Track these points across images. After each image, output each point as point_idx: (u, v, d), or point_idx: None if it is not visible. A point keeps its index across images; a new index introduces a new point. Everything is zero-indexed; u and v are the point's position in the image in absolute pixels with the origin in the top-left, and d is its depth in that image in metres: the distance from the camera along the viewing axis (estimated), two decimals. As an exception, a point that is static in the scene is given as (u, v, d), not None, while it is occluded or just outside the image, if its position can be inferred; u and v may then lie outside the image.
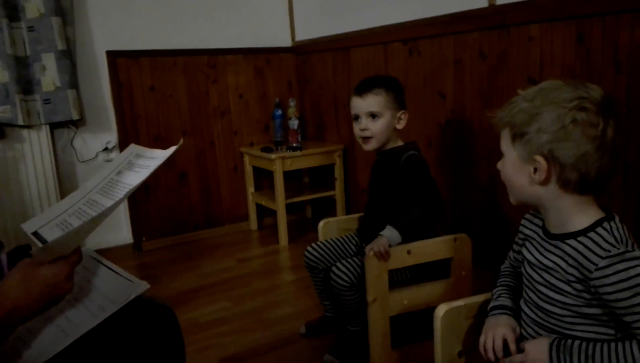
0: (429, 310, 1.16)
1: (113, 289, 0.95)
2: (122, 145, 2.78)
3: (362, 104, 1.65)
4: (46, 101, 2.54)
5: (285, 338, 1.86)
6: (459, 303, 1.11)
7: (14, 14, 2.45)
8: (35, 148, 2.56)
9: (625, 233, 0.88)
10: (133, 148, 0.95)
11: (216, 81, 3.01)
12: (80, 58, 2.68)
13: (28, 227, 0.88)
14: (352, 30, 2.73)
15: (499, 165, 0.97)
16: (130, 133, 2.80)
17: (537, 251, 0.96)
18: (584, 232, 0.88)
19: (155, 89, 2.85)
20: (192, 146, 2.97)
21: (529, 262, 0.98)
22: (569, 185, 0.87)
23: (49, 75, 2.53)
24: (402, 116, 1.67)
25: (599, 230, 0.87)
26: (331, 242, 1.79)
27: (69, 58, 2.56)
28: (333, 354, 1.66)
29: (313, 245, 1.79)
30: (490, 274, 1.90)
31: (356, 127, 1.69)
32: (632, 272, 0.81)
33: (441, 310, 1.11)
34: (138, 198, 2.81)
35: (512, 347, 0.96)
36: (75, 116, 2.60)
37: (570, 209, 0.90)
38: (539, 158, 0.87)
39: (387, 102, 1.65)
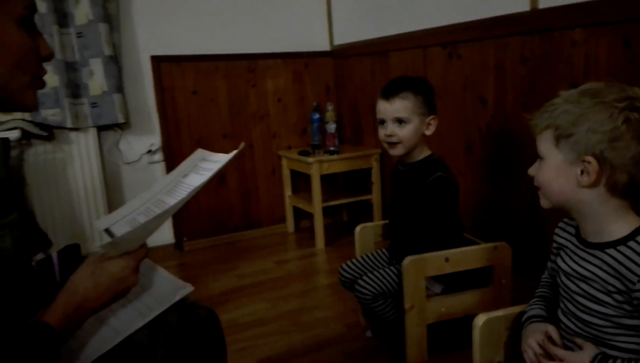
0: (467, 319, 1.16)
1: (160, 290, 0.99)
2: (165, 148, 2.87)
3: (389, 109, 1.57)
4: (94, 105, 2.64)
5: (322, 341, 1.88)
6: (499, 313, 1.11)
7: (63, 20, 2.56)
8: (82, 150, 2.66)
9: None
10: (199, 152, 1.00)
11: (255, 85, 3.06)
12: (126, 63, 2.78)
13: (101, 224, 0.94)
14: (390, 34, 2.73)
15: (532, 170, 0.94)
16: (173, 136, 2.88)
17: (572, 260, 0.94)
18: (624, 241, 0.86)
19: (197, 93, 2.92)
20: (231, 149, 2.99)
21: (565, 272, 0.96)
22: (616, 188, 0.85)
23: (96, 79, 2.63)
24: (432, 122, 1.59)
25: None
26: (362, 259, 1.79)
27: (115, 63, 2.65)
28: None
29: (345, 264, 1.79)
30: (532, 283, 1.87)
31: (381, 132, 1.61)
32: None
33: (480, 319, 1.11)
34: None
35: (556, 339, 0.95)
36: (121, 119, 2.69)
37: (609, 216, 0.88)
38: (590, 159, 0.84)
39: (416, 106, 1.56)
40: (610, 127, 0.82)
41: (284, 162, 3.12)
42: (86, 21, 2.58)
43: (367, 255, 1.81)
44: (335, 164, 2.86)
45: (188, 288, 0.97)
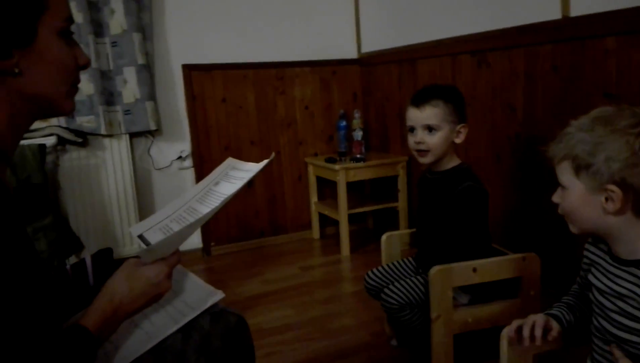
0: (495, 329, 1.15)
1: (192, 296, 1.01)
2: (195, 154, 2.92)
3: (419, 116, 1.57)
4: (127, 112, 2.71)
5: (347, 349, 1.88)
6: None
7: (99, 30, 2.64)
8: (115, 156, 2.73)
9: None
10: (230, 161, 1.03)
11: (284, 93, 3.09)
12: (158, 71, 2.85)
13: (135, 230, 0.98)
14: (418, 42, 2.73)
15: (557, 198, 0.94)
16: (203, 143, 2.93)
17: (606, 277, 0.93)
18: None
19: (227, 101, 2.97)
20: (259, 156, 3.06)
21: (598, 289, 0.95)
22: None
23: (129, 87, 2.71)
24: (462, 130, 1.58)
25: None
26: (388, 268, 1.79)
27: (148, 72, 2.72)
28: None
29: (371, 271, 1.79)
30: (561, 295, 1.83)
31: (411, 140, 1.61)
32: None
33: (508, 331, 1.10)
34: (207, 205, 2.93)
35: (551, 338, 0.97)
36: (152, 127, 2.75)
37: None
38: (613, 187, 0.85)
39: (446, 114, 1.55)
40: (628, 154, 0.83)
41: (311, 169, 3.14)
42: (120, 31, 2.66)
43: (393, 264, 1.81)
44: (362, 172, 2.86)
45: (219, 295, 0.99)
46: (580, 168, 0.88)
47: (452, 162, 1.62)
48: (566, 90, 1.97)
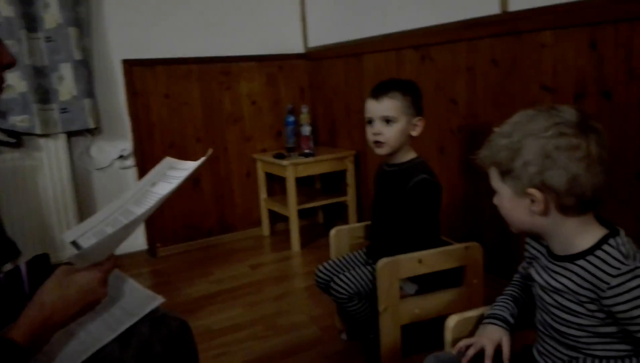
0: (442, 319, 1.17)
1: (130, 302, 0.97)
2: (137, 153, 2.82)
3: (377, 108, 1.59)
4: (63, 110, 2.59)
5: (298, 345, 1.87)
6: (470, 314, 1.12)
7: (32, 25, 2.50)
8: (52, 156, 2.61)
9: (631, 246, 0.87)
10: (167, 160, 0.99)
11: (230, 88, 3.04)
12: (97, 67, 2.73)
13: (68, 236, 0.92)
14: (364, 37, 2.74)
15: (496, 201, 0.96)
16: (145, 141, 2.84)
17: (545, 273, 0.96)
18: (591, 251, 0.88)
19: (170, 97, 2.88)
20: (204, 153, 2.98)
21: (538, 284, 0.98)
22: (568, 210, 0.87)
23: (66, 84, 2.58)
24: (418, 123, 1.62)
25: (606, 247, 0.87)
26: (338, 261, 1.79)
27: (85, 67, 2.60)
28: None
29: (321, 265, 1.78)
30: (503, 281, 1.89)
31: (369, 131, 1.63)
32: None
33: (452, 320, 1.12)
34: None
35: (505, 353, 0.99)
36: (91, 125, 2.64)
37: (573, 231, 0.90)
38: (533, 191, 0.87)
39: (403, 107, 1.59)
40: (542, 157, 0.85)
41: (259, 165, 3.11)
42: (55, 25, 2.53)
43: (343, 257, 1.81)
44: (310, 167, 2.86)
45: (158, 300, 0.95)
46: (504, 173, 0.91)
47: (409, 155, 1.65)
48: (505, 83, 2.02)
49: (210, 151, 0.96)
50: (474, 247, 1.59)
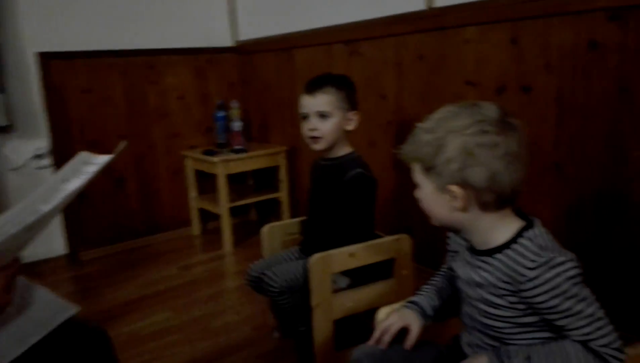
0: (373, 311, 1.16)
1: (41, 312, 0.89)
2: (55, 152, 2.65)
3: (312, 103, 1.59)
4: (-31, 106, 2.38)
5: (232, 345, 1.83)
6: (400, 304, 1.12)
7: None
8: (-43, 156, 2.39)
9: (546, 237, 0.89)
10: (82, 155, 0.92)
11: (155, 83, 2.91)
12: (9, 61, 2.52)
13: None
14: (295, 31, 2.71)
15: (417, 194, 0.97)
16: (64, 139, 2.66)
17: (467, 267, 0.97)
18: (507, 245, 0.89)
19: (91, 91, 2.73)
20: (130, 150, 2.86)
21: (460, 278, 0.99)
22: (487, 206, 0.89)
23: (-29, 78, 2.38)
24: (353, 117, 1.62)
25: (522, 240, 0.89)
26: (269, 259, 1.76)
27: (-6, 60, 2.41)
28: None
29: (253, 264, 1.74)
30: (432, 270, 1.93)
31: (304, 127, 1.62)
32: (560, 279, 0.82)
33: (382, 312, 1.13)
34: (72, 207, 2.68)
35: (408, 343, 1.01)
36: (3, 122, 2.45)
37: (491, 227, 0.91)
38: (454, 187, 0.88)
39: (338, 101, 1.58)
40: (464, 155, 0.85)
41: (188, 162, 3.01)
42: (-44, 12, 2.32)
43: (275, 255, 1.77)
44: (242, 163, 2.80)
45: (71, 310, 0.88)
46: (426, 169, 0.91)
47: (344, 149, 1.65)
48: (432, 78, 2.06)
49: (123, 144, 0.90)
50: (404, 239, 1.60)
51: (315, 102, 1.58)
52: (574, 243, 1.66)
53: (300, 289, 1.57)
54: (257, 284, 1.70)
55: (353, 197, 1.57)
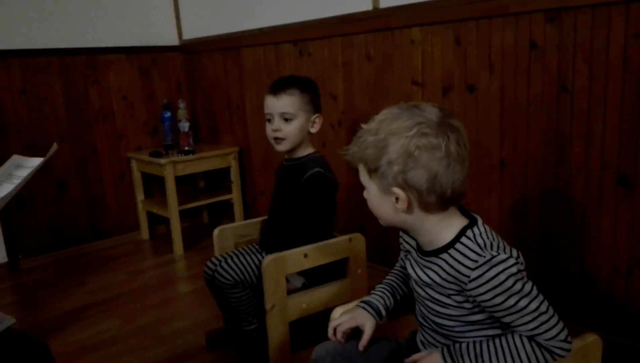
0: (329, 311, 1.16)
1: None
2: (-11, 155, 2.50)
3: (276, 105, 1.59)
4: None
5: (184, 353, 1.78)
6: (354, 304, 1.12)
7: None
8: None
9: (489, 236, 0.91)
10: (14, 158, 0.87)
11: (97, 82, 2.80)
12: None
13: None
14: (242, 30, 2.68)
15: (365, 195, 0.97)
16: (0, 142, 2.52)
17: (417, 267, 0.98)
18: (451, 245, 0.91)
19: (27, 92, 2.59)
20: (71, 153, 2.74)
21: (412, 278, 1.01)
22: (430, 207, 0.90)
23: None
24: (317, 120, 1.63)
25: (464, 240, 0.90)
26: (231, 253, 1.73)
27: None
28: None
29: (210, 260, 1.71)
30: (385, 268, 1.96)
31: (268, 128, 1.62)
32: (502, 277, 0.84)
33: (337, 312, 1.12)
34: (12, 212, 2.54)
35: (362, 343, 1.02)
36: None
37: (437, 227, 0.92)
38: (397, 190, 0.88)
39: (302, 103, 1.59)
40: (405, 157, 0.86)
41: (134, 164, 2.91)
42: None
43: (234, 251, 1.75)
44: (191, 165, 2.74)
45: (6, 322, 0.83)
46: (371, 170, 0.91)
47: (307, 150, 1.66)
48: (380, 78, 2.09)
49: (55, 146, 0.86)
50: (357, 238, 1.61)
51: (279, 104, 1.59)
52: (520, 238, 1.73)
53: (254, 285, 1.57)
54: (212, 279, 1.68)
55: (310, 196, 1.58)
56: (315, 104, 1.64)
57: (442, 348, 0.93)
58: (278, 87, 1.61)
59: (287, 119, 1.59)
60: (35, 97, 2.62)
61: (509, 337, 0.88)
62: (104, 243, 2.89)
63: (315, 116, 1.63)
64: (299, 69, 2.41)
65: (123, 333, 1.93)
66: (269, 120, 1.62)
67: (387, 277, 1.15)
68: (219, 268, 1.58)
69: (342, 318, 1.06)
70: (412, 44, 1.95)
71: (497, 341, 0.89)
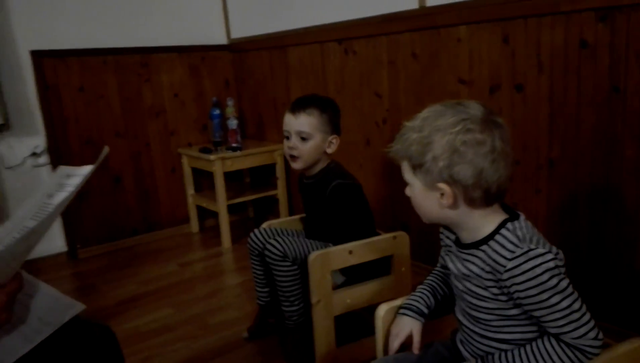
0: (372, 308, 1.19)
1: (48, 311, 0.91)
2: (52, 150, 2.66)
3: (294, 123, 1.61)
4: (-36, 106, 2.38)
5: (231, 343, 1.85)
6: (399, 302, 1.15)
7: None
8: (-47, 156, 2.40)
9: (529, 230, 0.92)
10: (62, 169, 0.92)
11: (149, 80, 2.92)
12: (3, 59, 2.53)
13: None
14: (288, 29, 2.73)
15: (408, 192, 0.99)
16: (60, 137, 2.67)
17: (457, 260, 1.00)
18: (491, 236, 0.92)
19: (85, 89, 2.73)
20: (126, 149, 2.87)
21: (452, 272, 1.02)
22: (475, 202, 0.91)
23: (-34, 77, 2.38)
24: (334, 141, 1.64)
25: (503, 231, 0.91)
26: (278, 229, 1.80)
27: (-12, 59, 2.40)
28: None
29: (260, 228, 1.77)
30: (428, 267, 1.97)
31: (285, 145, 1.66)
32: (538, 270, 0.85)
33: (382, 309, 1.15)
34: (71, 205, 2.69)
35: (415, 347, 1.06)
36: (-2, 121, 2.46)
37: (480, 222, 0.94)
38: (442, 185, 0.90)
39: (320, 124, 1.61)
40: (450, 152, 0.88)
41: (185, 160, 3.02)
42: (-50, 12, 2.31)
43: (282, 229, 1.81)
44: (239, 161, 2.82)
45: (78, 307, 0.90)
46: (415, 167, 0.93)
47: (322, 164, 1.68)
48: (425, 76, 2.09)
49: (106, 150, 0.91)
50: (401, 236, 1.64)
51: (297, 123, 1.61)
52: (569, 239, 1.71)
53: (302, 261, 1.60)
54: (258, 252, 1.74)
55: (338, 208, 1.61)
56: (333, 125, 1.65)
57: (477, 360, 0.96)
58: (297, 106, 1.63)
59: (303, 138, 1.61)
60: (92, 94, 2.75)
61: (538, 341, 0.90)
62: (156, 234, 3.02)
63: (332, 136, 1.64)
64: (344, 67, 2.44)
65: (174, 322, 2.03)
66: (287, 137, 1.65)
67: (427, 278, 1.17)
68: (270, 240, 1.61)
69: (391, 340, 1.09)
70: (458, 42, 1.94)
71: (527, 347, 0.91)
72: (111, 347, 0.94)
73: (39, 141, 2.66)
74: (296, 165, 1.65)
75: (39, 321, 0.89)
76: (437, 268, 1.18)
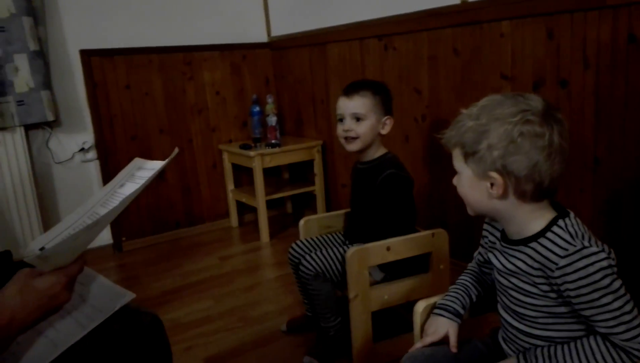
0: (410, 304, 1.20)
1: (100, 299, 0.96)
2: (99, 145, 2.76)
3: (348, 105, 1.64)
4: (20, 103, 2.50)
5: (268, 336, 1.89)
6: (437, 299, 1.15)
7: (-18, 14, 2.40)
8: (10, 150, 2.52)
9: (580, 227, 0.90)
10: (136, 161, 0.98)
11: (192, 78, 2.99)
12: (54, 58, 2.64)
13: (36, 244, 0.89)
14: (328, 26, 2.74)
15: (455, 181, 0.99)
16: (107, 133, 2.78)
17: (502, 256, 0.99)
18: (542, 233, 0.91)
19: (131, 87, 2.83)
20: (169, 144, 2.95)
21: (497, 269, 1.01)
22: (525, 195, 0.90)
23: (22, 76, 2.49)
24: (387, 122, 1.67)
25: (555, 229, 0.90)
26: (316, 239, 1.82)
27: (41, 58, 2.52)
28: (312, 355, 1.68)
29: (298, 242, 1.81)
30: (467, 265, 1.95)
31: (339, 128, 1.68)
32: (592, 269, 0.84)
33: (420, 306, 1.15)
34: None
35: (453, 345, 1.05)
36: (49, 117, 2.56)
37: (527, 217, 0.93)
38: (494, 174, 0.89)
39: (373, 105, 1.64)
40: (507, 142, 0.87)
41: (225, 156, 3.09)
42: (8, 15, 2.43)
43: (317, 237, 1.83)
44: (278, 157, 2.85)
45: (129, 296, 0.95)
46: (468, 154, 0.92)
47: (379, 152, 1.70)
48: (467, 72, 2.07)
49: (176, 150, 0.95)
50: (440, 234, 1.63)
51: (352, 104, 1.64)
52: (613, 239, 1.67)
53: (336, 277, 1.62)
54: (296, 264, 1.77)
55: (386, 197, 1.62)
56: (386, 107, 1.67)
57: (518, 355, 0.95)
58: (350, 88, 1.66)
59: (358, 119, 1.63)
60: (138, 92, 2.85)
61: (583, 339, 0.89)
62: (197, 228, 3.10)
63: (386, 118, 1.66)
64: (384, 63, 2.43)
65: (215, 314, 2.08)
66: (341, 120, 1.67)
67: (460, 277, 1.16)
68: (305, 259, 1.63)
69: (426, 339, 1.08)
70: (501, 37, 1.91)
71: (571, 344, 0.89)
72: (159, 334, 0.98)
73: (87, 137, 2.77)
74: (353, 146, 1.66)
75: (92, 308, 0.94)
76: (470, 266, 1.17)
